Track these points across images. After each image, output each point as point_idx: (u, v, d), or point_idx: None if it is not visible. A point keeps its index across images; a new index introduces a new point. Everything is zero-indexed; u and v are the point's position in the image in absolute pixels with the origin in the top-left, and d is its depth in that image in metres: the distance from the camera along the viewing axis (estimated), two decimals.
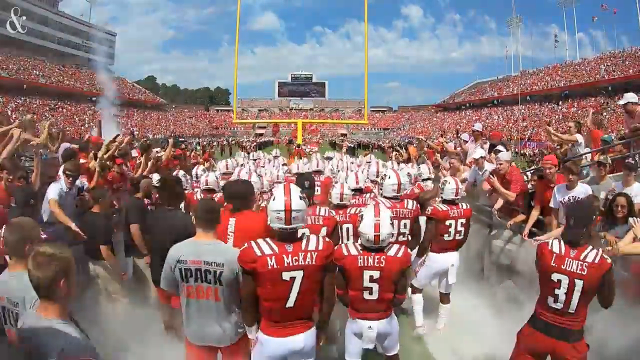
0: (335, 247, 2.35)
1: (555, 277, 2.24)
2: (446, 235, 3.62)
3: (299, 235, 2.18)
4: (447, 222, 3.61)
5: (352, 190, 3.80)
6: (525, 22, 52.71)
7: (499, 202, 4.74)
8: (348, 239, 3.28)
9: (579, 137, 5.78)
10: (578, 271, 2.19)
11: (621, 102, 5.51)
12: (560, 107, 39.83)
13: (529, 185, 5.16)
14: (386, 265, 2.34)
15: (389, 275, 2.34)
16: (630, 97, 5.44)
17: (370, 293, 2.36)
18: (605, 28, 46.43)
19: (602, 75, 38.04)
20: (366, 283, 2.35)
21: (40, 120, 27.36)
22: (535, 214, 4.32)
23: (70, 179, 3.93)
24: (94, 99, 45.20)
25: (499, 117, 46.18)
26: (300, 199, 2.15)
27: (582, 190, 4.00)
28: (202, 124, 60.45)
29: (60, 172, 4.01)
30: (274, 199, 2.15)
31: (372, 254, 2.35)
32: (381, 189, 3.55)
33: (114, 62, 56.03)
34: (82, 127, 35.56)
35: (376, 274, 2.33)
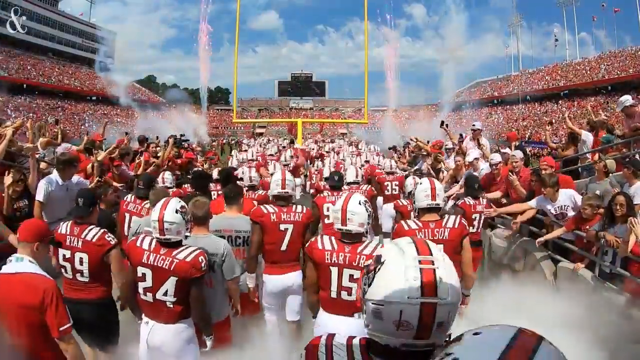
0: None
1: None
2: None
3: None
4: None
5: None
6: (525, 21, 52.54)
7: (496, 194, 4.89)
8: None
9: (586, 135, 5.80)
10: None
11: (618, 108, 5.54)
12: (560, 107, 39.82)
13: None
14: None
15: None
16: (625, 100, 5.47)
17: None
18: (605, 27, 46.47)
19: (602, 75, 38.03)
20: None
21: (40, 119, 27.33)
22: (531, 212, 4.36)
23: (65, 171, 3.91)
24: (93, 98, 45.24)
25: (499, 116, 46.16)
26: (290, 174, 3.31)
27: (566, 197, 4.02)
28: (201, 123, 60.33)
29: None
30: (273, 176, 3.26)
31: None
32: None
33: (114, 61, 56.09)
34: (82, 127, 35.55)
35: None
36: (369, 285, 0.94)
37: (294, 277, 3.03)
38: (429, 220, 2.71)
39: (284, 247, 3.00)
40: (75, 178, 4.18)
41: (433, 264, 0.91)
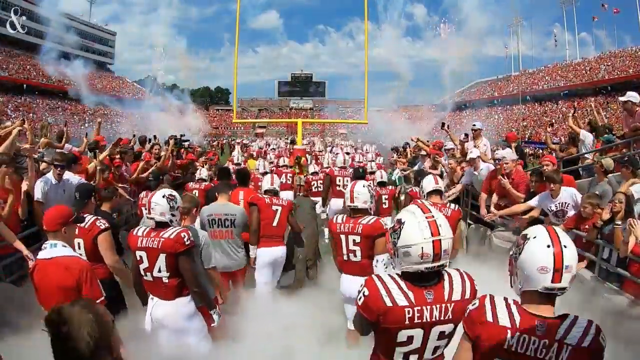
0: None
1: None
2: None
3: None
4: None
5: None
6: (525, 21, 52.51)
7: (494, 198, 4.85)
8: None
9: (584, 135, 5.78)
10: None
11: (622, 98, 5.46)
12: (560, 107, 39.83)
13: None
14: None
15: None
16: (632, 95, 5.42)
17: None
18: (605, 28, 46.46)
19: (602, 75, 38.04)
20: None
21: (40, 120, 27.30)
22: (536, 213, 4.32)
23: (59, 169, 3.94)
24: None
25: (499, 116, 46.15)
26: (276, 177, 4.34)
27: (567, 195, 4.00)
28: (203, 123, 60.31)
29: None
30: (265, 180, 4.17)
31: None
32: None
33: (114, 62, 56.12)
34: (82, 127, 35.56)
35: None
36: (398, 237, 1.51)
37: (280, 251, 3.93)
38: (436, 202, 3.34)
39: (275, 223, 3.89)
40: (76, 179, 4.18)
41: (434, 217, 1.51)
